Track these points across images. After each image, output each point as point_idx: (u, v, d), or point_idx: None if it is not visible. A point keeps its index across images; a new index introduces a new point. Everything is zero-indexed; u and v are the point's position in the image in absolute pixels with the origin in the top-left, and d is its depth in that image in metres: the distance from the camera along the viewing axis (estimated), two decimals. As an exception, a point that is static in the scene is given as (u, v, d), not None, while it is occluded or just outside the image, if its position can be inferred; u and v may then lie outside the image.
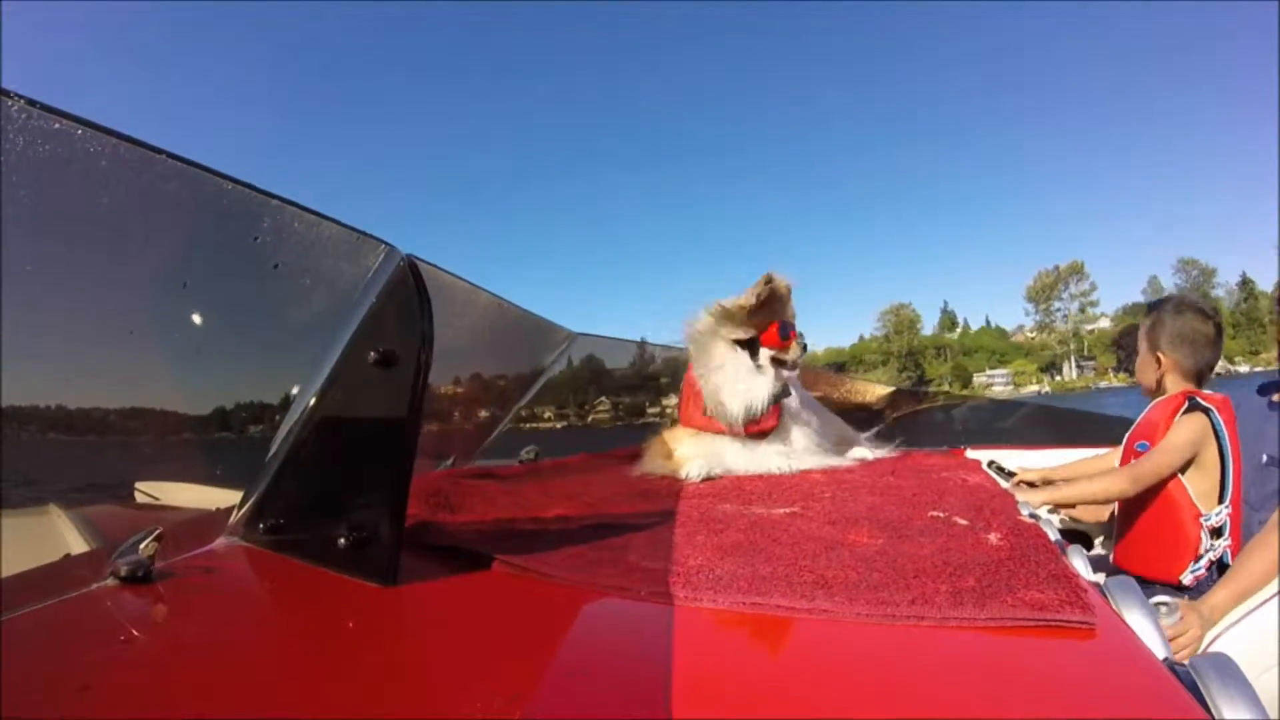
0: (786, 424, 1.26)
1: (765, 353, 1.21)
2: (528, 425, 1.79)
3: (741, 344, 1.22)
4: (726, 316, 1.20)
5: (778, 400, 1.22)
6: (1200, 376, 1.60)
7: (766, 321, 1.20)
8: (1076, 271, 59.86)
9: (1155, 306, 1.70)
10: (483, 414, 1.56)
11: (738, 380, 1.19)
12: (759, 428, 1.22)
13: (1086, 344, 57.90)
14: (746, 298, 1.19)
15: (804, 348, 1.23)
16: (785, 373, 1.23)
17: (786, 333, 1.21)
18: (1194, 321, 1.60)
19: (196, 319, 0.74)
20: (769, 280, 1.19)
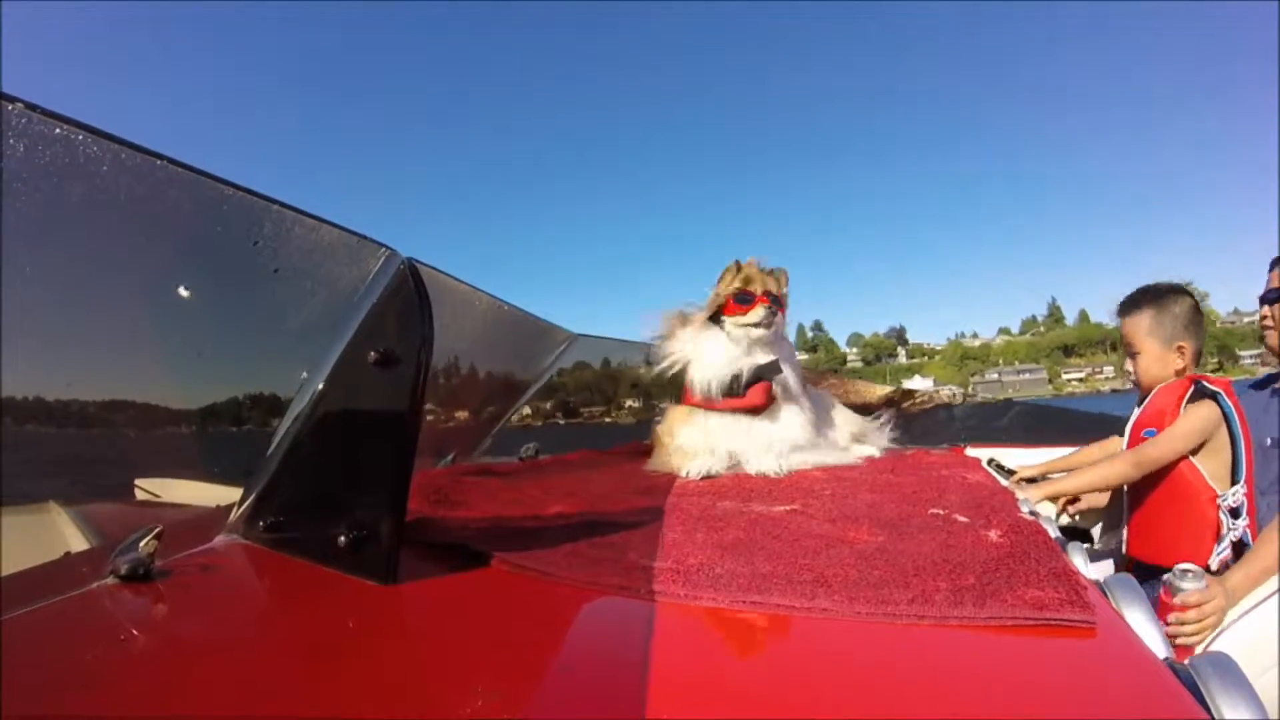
0: (780, 406, 1.26)
1: (729, 322, 1.27)
2: (525, 422, 1.80)
3: (713, 321, 1.29)
4: (689, 318, 1.33)
5: (763, 378, 1.23)
6: (1199, 355, 1.58)
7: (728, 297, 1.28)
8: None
9: (1141, 304, 1.60)
10: (483, 413, 1.57)
11: (702, 350, 1.28)
12: (747, 402, 1.23)
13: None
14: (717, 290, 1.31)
15: (773, 311, 1.25)
16: (752, 341, 1.25)
17: (747, 299, 1.25)
18: (1187, 300, 1.56)
19: (198, 322, 0.74)
20: (735, 265, 1.30)
